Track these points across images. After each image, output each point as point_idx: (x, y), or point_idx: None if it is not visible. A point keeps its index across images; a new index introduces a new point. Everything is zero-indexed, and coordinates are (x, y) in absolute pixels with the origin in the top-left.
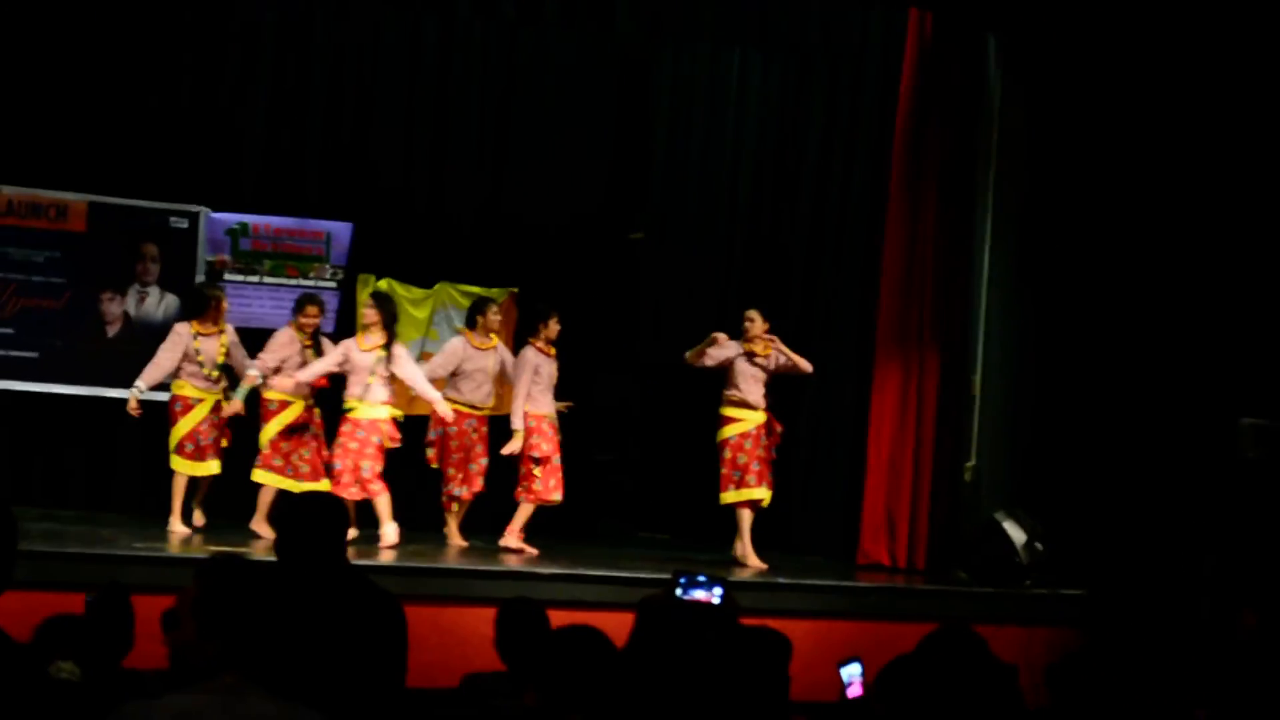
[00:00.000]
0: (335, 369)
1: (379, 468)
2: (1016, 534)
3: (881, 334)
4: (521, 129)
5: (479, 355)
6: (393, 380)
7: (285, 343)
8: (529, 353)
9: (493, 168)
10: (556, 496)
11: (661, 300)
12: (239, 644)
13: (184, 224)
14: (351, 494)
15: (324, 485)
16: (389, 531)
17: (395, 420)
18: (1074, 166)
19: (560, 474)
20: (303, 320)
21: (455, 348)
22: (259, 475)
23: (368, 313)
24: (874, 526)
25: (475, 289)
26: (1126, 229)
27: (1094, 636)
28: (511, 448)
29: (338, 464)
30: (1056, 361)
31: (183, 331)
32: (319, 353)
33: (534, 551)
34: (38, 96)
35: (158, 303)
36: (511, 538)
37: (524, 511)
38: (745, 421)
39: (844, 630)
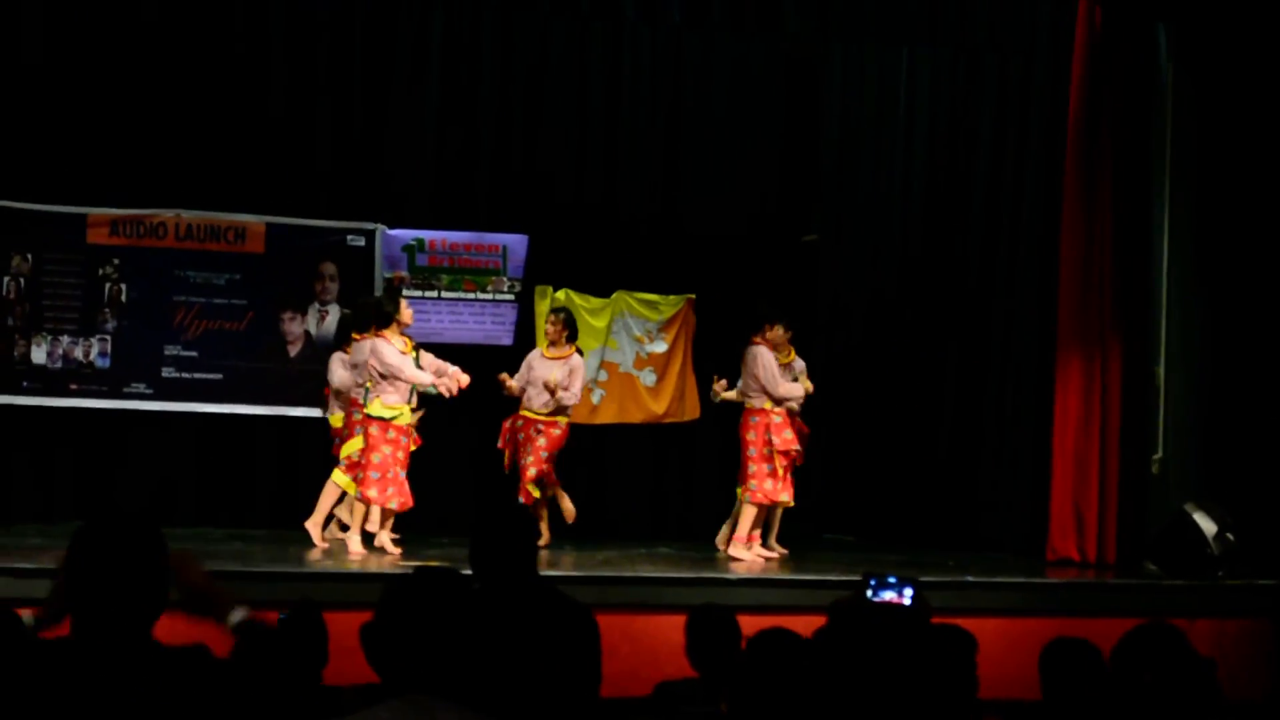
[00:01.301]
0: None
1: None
2: (1207, 525)
3: (1062, 329)
4: (691, 133)
5: (544, 364)
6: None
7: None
8: (763, 349)
9: (664, 173)
10: (784, 497)
11: (838, 301)
12: (435, 657)
13: (361, 242)
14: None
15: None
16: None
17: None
18: (1249, 155)
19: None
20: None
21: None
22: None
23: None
24: (1062, 522)
25: (652, 296)
26: None
27: None
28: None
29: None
30: (1239, 350)
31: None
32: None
33: (773, 554)
34: (214, 121)
35: (337, 321)
36: (740, 546)
37: (749, 514)
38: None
39: (1036, 627)
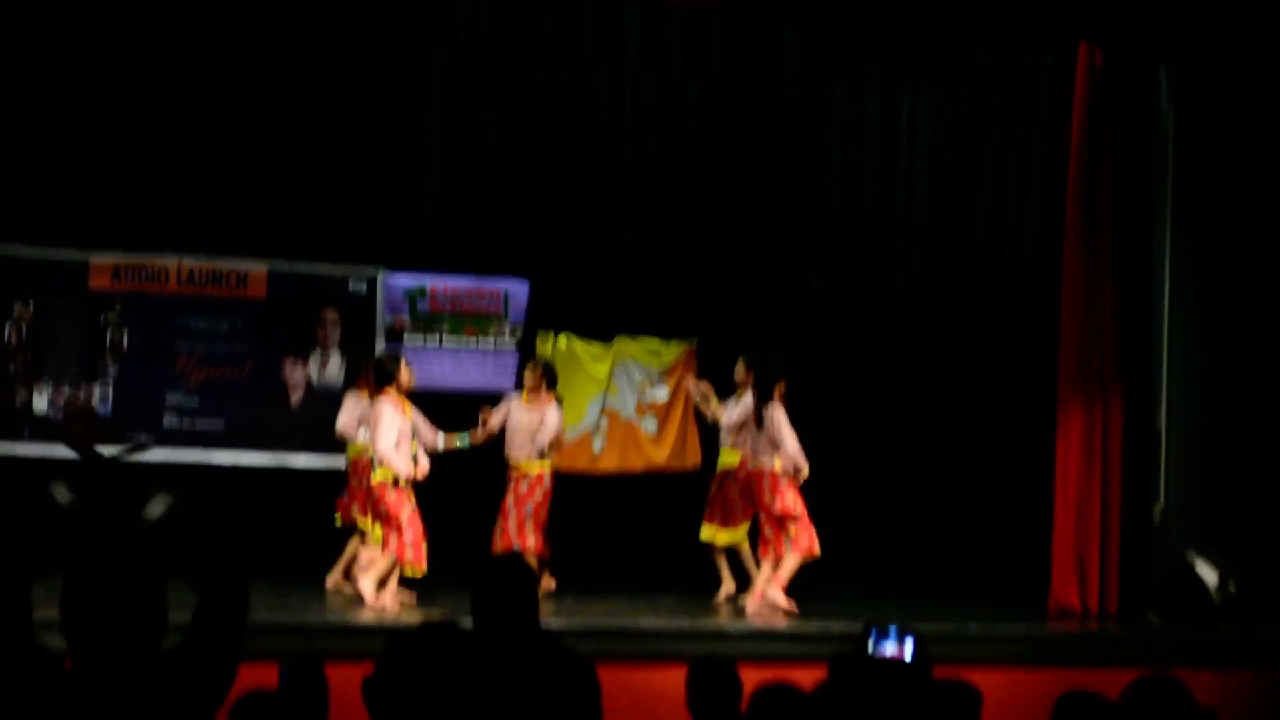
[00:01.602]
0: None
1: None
2: (1209, 574)
3: (1063, 375)
4: (693, 177)
5: (519, 413)
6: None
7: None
8: (778, 409)
9: (666, 218)
10: (816, 549)
11: (839, 346)
12: (437, 713)
13: (363, 288)
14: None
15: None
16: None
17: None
18: (1251, 198)
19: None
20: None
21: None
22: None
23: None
24: (1064, 571)
25: (654, 343)
26: None
27: None
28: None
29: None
30: (1241, 398)
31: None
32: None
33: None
34: (216, 165)
35: (339, 367)
36: (778, 591)
37: (791, 564)
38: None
39: (1038, 679)
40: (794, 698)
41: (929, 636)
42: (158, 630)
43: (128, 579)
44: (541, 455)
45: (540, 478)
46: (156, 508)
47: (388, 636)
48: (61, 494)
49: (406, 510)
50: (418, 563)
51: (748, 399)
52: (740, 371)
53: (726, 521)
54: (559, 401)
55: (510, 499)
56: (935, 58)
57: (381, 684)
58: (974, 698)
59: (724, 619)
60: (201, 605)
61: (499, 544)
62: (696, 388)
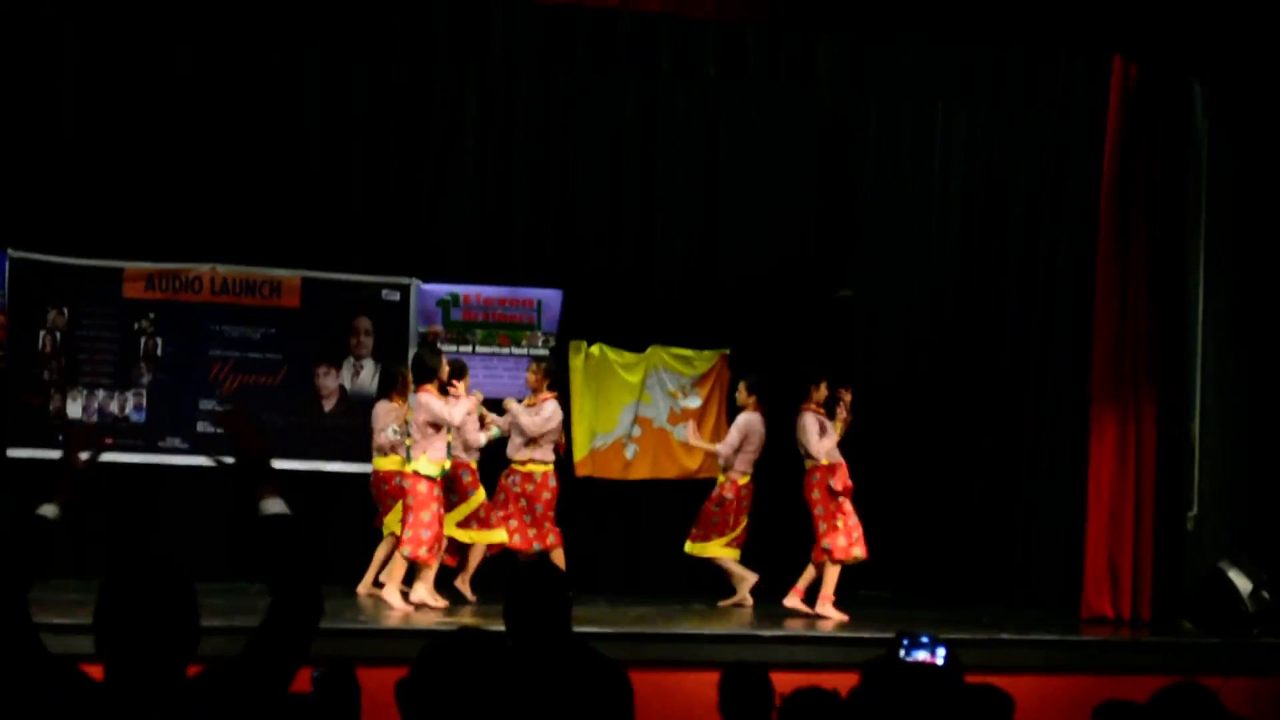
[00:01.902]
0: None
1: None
2: (1242, 582)
3: (1096, 384)
4: (726, 189)
5: (522, 412)
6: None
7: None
8: (811, 417)
9: (700, 229)
10: (858, 552)
11: (872, 356)
12: (472, 717)
13: (395, 296)
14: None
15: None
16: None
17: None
18: None
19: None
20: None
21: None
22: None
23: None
24: (1097, 579)
25: (686, 351)
26: None
27: None
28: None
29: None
30: (1275, 406)
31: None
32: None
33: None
34: (250, 175)
35: (372, 376)
36: (827, 604)
37: (834, 574)
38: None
39: (1071, 685)
40: (828, 701)
41: (961, 642)
42: (191, 641)
43: (162, 589)
44: (544, 455)
45: (546, 477)
46: (273, 506)
47: (423, 640)
48: (49, 511)
49: (429, 510)
50: (430, 559)
51: (742, 420)
52: (742, 394)
53: (707, 535)
54: (557, 400)
55: (515, 499)
56: (969, 72)
57: (415, 686)
58: (1006, 703)
59: (756, 626)
60: (275, 609)
61: (516, 544)
62: (694, 436)
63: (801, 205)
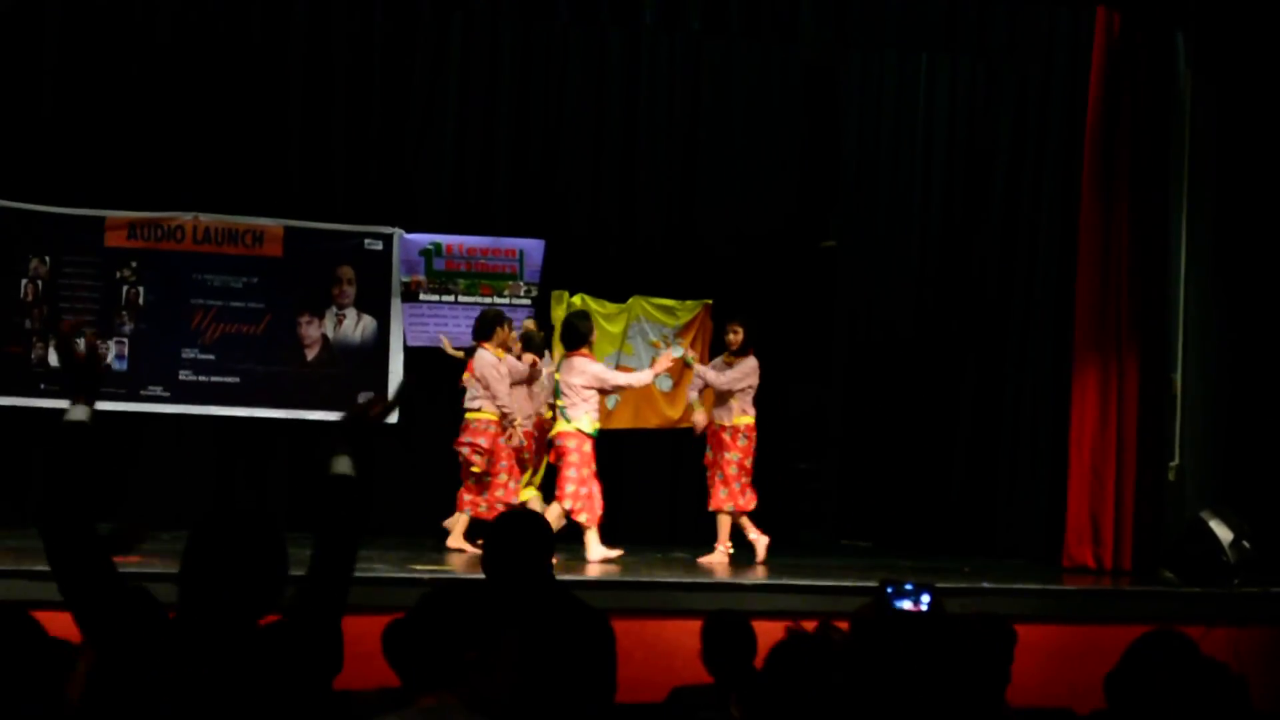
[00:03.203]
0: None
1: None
2: (1223, 532)
3: (1079, 335)
4: (710, 140)
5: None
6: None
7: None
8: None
9: (682, 180)
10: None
11: (855, 307)
12: (449, 663)
13: (378, 246)
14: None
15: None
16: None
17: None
18: (1268, 162)
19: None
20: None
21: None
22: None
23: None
24: (1078, 529)
25: (669, 301)
26: None
27: None
28: None
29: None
30: (1257, 357)
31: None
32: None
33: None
34: (232, 124)
35: (355, 325)
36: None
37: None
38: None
39: (1052, 634)
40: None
41: (943, 591)
42: (273, 593)
43: (252, 539)
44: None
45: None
46: (342, 465)
47: (408, 589)
48: (78, 413)
49: (590, 467)
50: (594, 521)
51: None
52: (739, 334)
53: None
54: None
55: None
56: (953, 23)
57: (402, 633)
58: (1008, 636)
59: (738, 574)
60: (322, 561)
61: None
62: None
63: (785, 157)
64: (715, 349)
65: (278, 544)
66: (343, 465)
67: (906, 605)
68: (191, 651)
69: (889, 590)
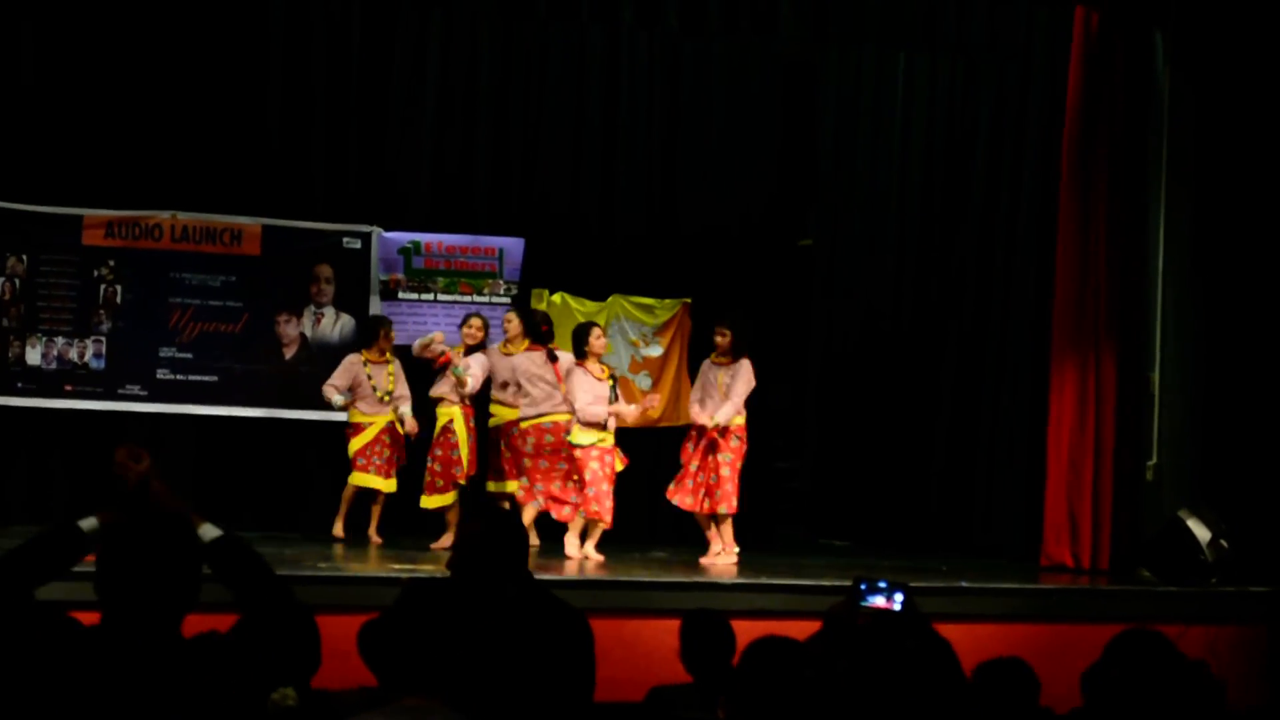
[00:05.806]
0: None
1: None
2: (1201, 532)
3: (1057, 334)
4: (688, 138)
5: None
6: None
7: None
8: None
9: (661, 178)
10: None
11: (833, 306)
12: (428, 663)
13: (357, 244)
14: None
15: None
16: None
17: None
18: (1246, 161)
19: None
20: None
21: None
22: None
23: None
24: (1056, 528)
25: (648, 300)
26: None
27: None
28: None
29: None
30: (1234, 356)
31: (354, 360)
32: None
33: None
34: (211, 123)
35: (333, 324)
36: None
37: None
38: None
39: (1030, 634)
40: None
41: (920, 591)
42: (190, 591)
43: (165, 545)
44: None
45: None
46: (209, 532)
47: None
48: (89, 524)
49: (607, 467)
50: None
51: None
52: (727, 337)
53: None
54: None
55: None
56: (932, 20)
57: (378, 632)
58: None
59: (716, 574)
60: (251, 622)
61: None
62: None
63: (763, 154)
64: (694, 347)
65: (187, 540)
66: (209, 531)
67: (879, 603)
68: (114, 657)
69: (863, 587)
